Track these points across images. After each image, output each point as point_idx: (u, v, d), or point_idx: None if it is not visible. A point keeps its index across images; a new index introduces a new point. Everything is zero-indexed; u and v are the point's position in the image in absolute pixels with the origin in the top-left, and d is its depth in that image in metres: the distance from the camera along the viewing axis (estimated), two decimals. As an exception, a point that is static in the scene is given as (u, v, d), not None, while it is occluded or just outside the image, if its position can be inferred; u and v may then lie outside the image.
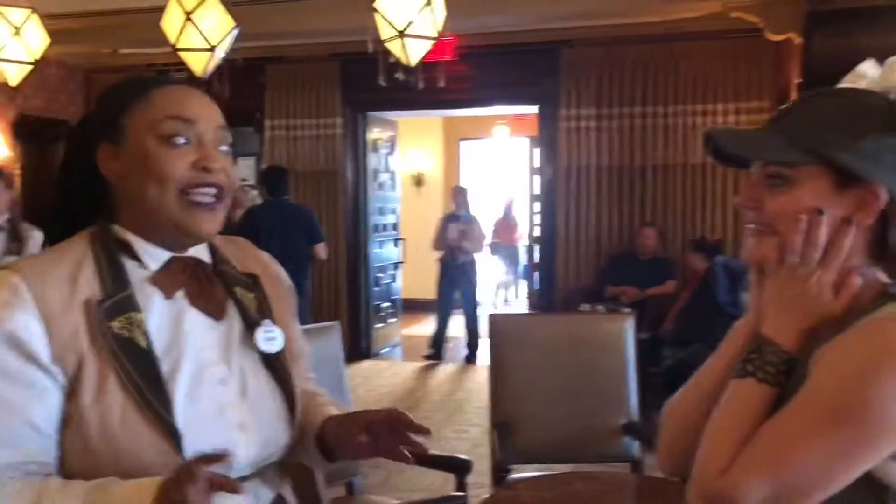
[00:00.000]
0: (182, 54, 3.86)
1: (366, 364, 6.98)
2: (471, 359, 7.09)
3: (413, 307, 8.89)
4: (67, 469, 1.04)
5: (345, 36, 5.60)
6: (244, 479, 1.11)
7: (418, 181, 10.36)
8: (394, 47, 3.64)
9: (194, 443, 1.04)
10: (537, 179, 7.22)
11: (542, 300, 6.76)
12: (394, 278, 7.88)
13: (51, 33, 4.43)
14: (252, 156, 6.96)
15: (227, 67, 4.36)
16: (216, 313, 1.17)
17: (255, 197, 6.30)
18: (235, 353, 1.16)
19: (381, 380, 6.48)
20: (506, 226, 10.42)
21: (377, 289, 7.41)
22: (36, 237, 4.20)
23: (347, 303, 6.92)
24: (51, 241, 1.18)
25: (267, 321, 1.20)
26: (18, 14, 4.26)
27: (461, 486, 2.49)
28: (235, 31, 3.86)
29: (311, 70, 6.79)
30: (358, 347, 6.99)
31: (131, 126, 1.11)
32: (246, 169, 6.96)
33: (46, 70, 6.42)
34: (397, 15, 3.55)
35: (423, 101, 6.31)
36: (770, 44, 5.42)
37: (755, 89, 5.87)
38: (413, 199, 9.82)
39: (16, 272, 1.05)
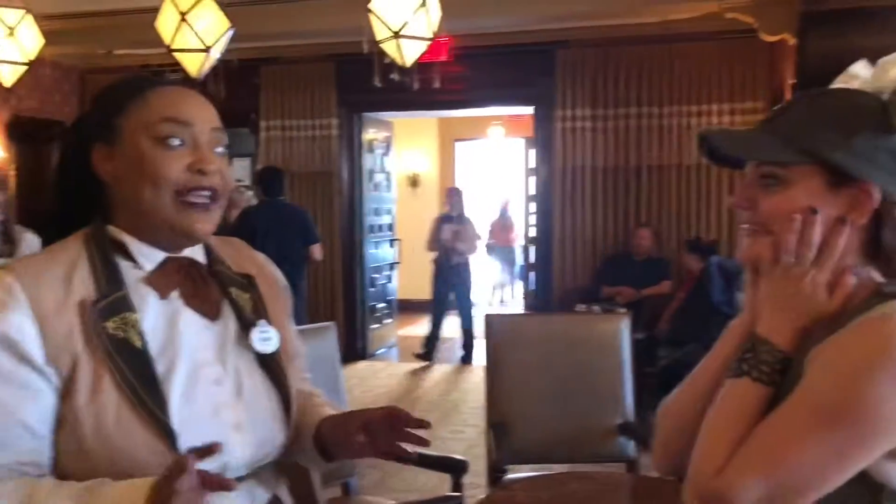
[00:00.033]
0: (177, 55, 3.85)
1: (361, 365, 6.98)
2: (466, 359, 7.09)
3: (409, 308, 8.88)
4: (62, 470, 1.04)
5: (340, 37, 5.61)
6: (240, 479, 1.11)
7: (414, 182, 10.36)
8: (389, 48, 3.64)
9: (189, 443, 1.04)
10: (533, 180, 7.23)
11: (538, 301, 6.77)
12: (389, 279, 7.87)
13: (45, 34, 4.42)
14: (247, 156, 6.96)
15: (223, 68, 4.35)
16: (211, 314, 1.17)
17: (250, 198, 6.29)
18: (231, 354, 1.16)
19: (376, 380, 6.48)
20: (502, 226, 10.43)
21: (373, 289, 7.41)
22: (28, 239, 4.18)
23: (343, 303, 6.92)
24: (47, 241, 1.18)
25: (262, 321, 1.20)
26: (12, 15, 4.25)
27: (457, 486, 2.49)
28: (230, 32, 3.86)
29: (306, 71, 6.78)
30: (354, 348, 6.98)
31: (126, 127, 1.11)
32: (241, 170, 6.95)
33: (41, 71, 6.41)
34: (392, 16, 3.55)
35: (418, 101, 6.31)
36: (764, 44, 5.44)
37: (750, 90, 5.89)
38: (408, 199, 9.83)
39: (10, 273, 1.05)
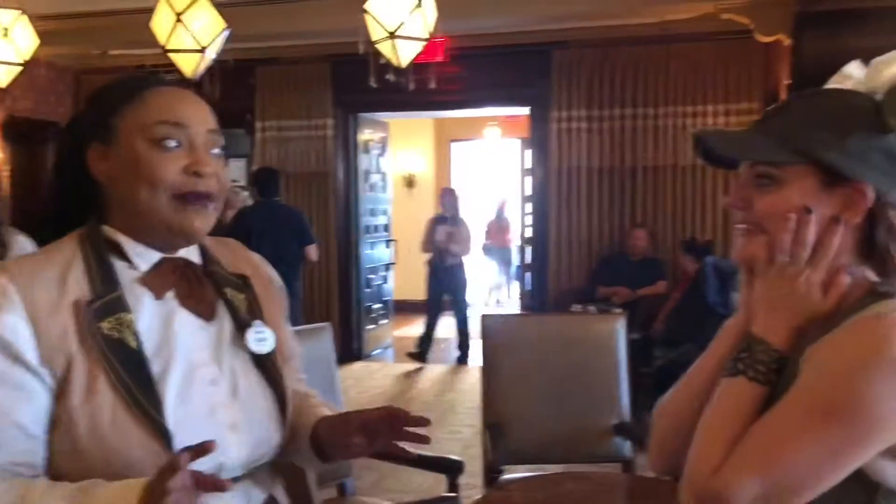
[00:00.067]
0: (172, 55, 3.84)
1: (357, 365, 6.97)
2: (462, 360, 7.09)
3: (404, 308, 8.88)
4: (56, 470, 1.04)
5: (336, 37, 5.61)
6: (236, 479, 1.11)
7: (409, 182, 10.36)
8: (385, 48, 3.64)
9: (185, 443, 1.03)
10: (529, 181, 7.23)
11: (534, 301, 6.78)
12: (385, 279, 7.88)
13: (40, 34, 4.42)
14: (243, 157, 6.95)
15: (218, 69, 4.34)
16: (206, 314, 1.17)
17: (245, 198, 6.28)
18: (226, 354, 1.16)
19: (372, 381, 6.47)
20: (498, 227, 10.44)
21: (368, 290, 7.41)
22: (20, 242, 4.15)
23: (339, 304, 6.92)
24: (42, 242, 1.17)
25: (258, 322, 1.20)
26: (7, 15, 4.24)
27: (453, 487, 2.49)
28: (226, 33, 3.85)
29: (302, 71, 6.78)
30: (349, 349, 6.97)
31: (122, 127, 1.10)
32: (237, 170, 6.94)
33: (36, 71, 6.38)
34: (388, 16, 3.55)
35: (414, 102, 6.31)
36: (760, 45, 5.45)
37: (745, 90, 5.90)
38: (404, 200, 9.82)
39: (4, 273, 1.04)
